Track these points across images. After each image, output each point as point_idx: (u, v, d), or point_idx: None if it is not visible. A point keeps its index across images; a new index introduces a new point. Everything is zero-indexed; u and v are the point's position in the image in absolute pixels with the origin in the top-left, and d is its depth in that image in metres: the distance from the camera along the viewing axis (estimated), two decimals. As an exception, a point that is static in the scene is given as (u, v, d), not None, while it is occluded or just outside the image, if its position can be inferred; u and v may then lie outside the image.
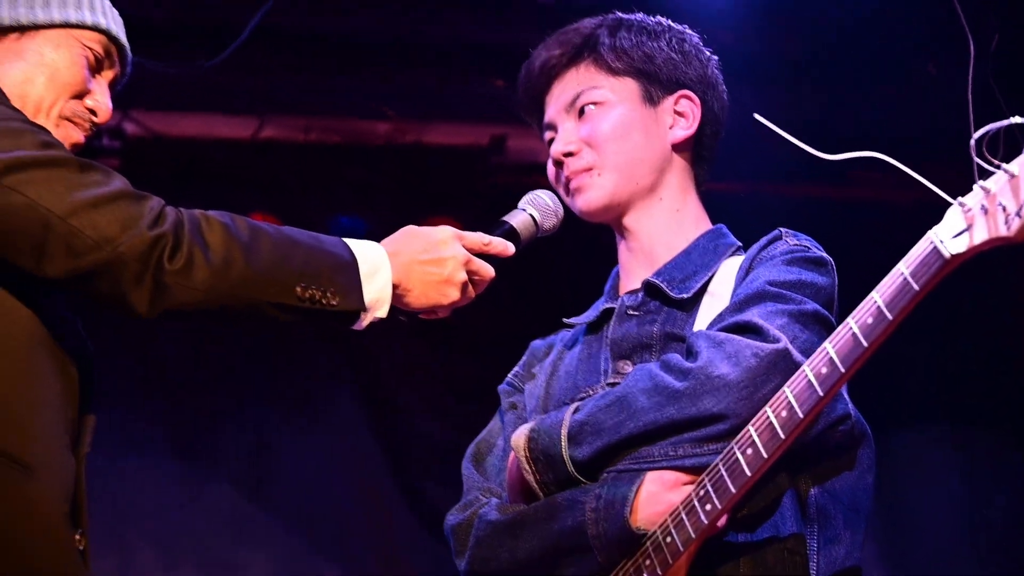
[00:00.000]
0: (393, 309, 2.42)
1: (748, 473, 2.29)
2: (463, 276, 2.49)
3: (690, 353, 2.47)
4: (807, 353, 2.31)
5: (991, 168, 1.97)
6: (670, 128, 2.78)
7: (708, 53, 2.85)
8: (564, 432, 2.50)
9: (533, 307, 5.62)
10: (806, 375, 2.25)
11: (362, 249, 2.39)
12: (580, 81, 2.79)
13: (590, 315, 2.82)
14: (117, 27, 2.57)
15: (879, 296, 2.15)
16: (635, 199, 2.76)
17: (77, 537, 2.30)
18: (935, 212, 2.09)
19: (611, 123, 2.75)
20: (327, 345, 6.05)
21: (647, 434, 2.43)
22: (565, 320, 2.90)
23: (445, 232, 2.50)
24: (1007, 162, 1.96)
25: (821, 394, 2.22)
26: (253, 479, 6.02)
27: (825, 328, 2.43)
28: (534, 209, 2.71)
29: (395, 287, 2.41)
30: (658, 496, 2.40)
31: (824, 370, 2.22)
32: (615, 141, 2.74)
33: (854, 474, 2.55)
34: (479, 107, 5.73)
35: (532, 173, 5.69)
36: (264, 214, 5.68)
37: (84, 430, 2.38)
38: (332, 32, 5.33)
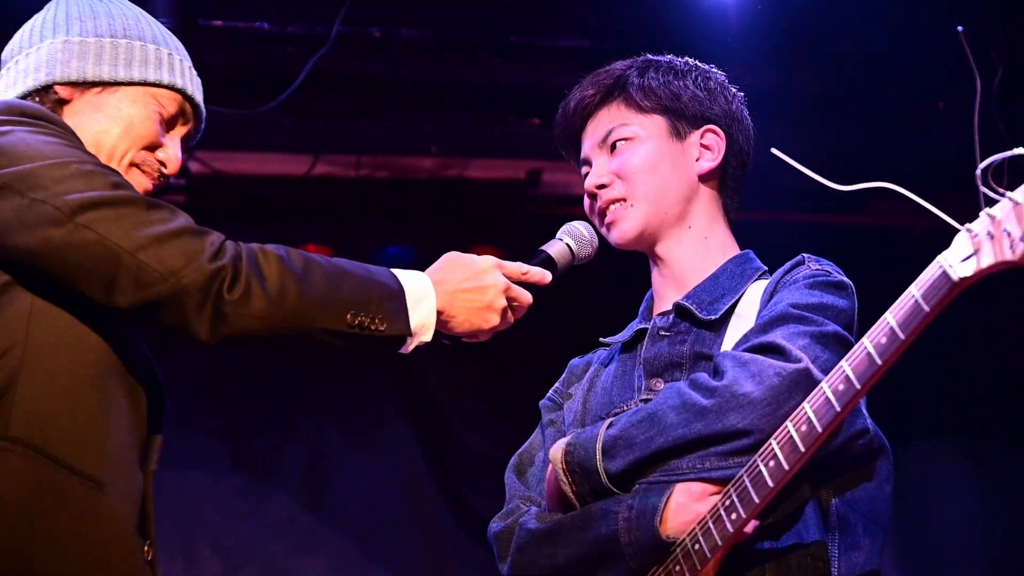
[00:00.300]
0: (437, 334, 2.42)
1: (771, 484, 2.28)
2: (503, 303, 2.48)
3: (716, 372, 2.47)
4: (827, 372, 2.29)
5: (996, 196, 1.96)
6: (696, 160, 2.77)
7: (734, 90, 2.85)
8: (599, 446, 2.50)
9: (567, 330, 5.61)
10: (824, 392, 2.24)
11: (409, 278, 2.39)
12: (611, 119, 2.79)
13: (625, 335, 2.81)
14: (194, 87, 2.59)
15: (892, 317, 2.14)
16: (665, 228, 2.76)
17: (145, 548, 2.31)
18: (946, 238, 2.08)
19: (640, 157, 2.75)
20: (377, 365, 6.06)
21: (676, 448, 2.43)
22: (601, 340, 2.89)
23: (486, 261, 2.50)
24: (1011, 190, 1.95)
25: (838, 409, 2.21)
26: (309, 491, 6.03)
27: (845, 348, 2.41)
28: (571, 239, 2.71)
29: (439, 313, 2.41)
30: (686, 506, 2.39)
31: (841, 387, 2.21)
32: (644, 173, 2.74)
33: (873, 485, 2.54)
34: (516, 144, 5.74)
35: (565, 204, 5.73)
36: (317, 245, 5.71)
37: (152, 449, 2.40)
38: (380, 76, 5.35)
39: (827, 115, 5.39)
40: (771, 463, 2.28)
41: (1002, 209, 1.96)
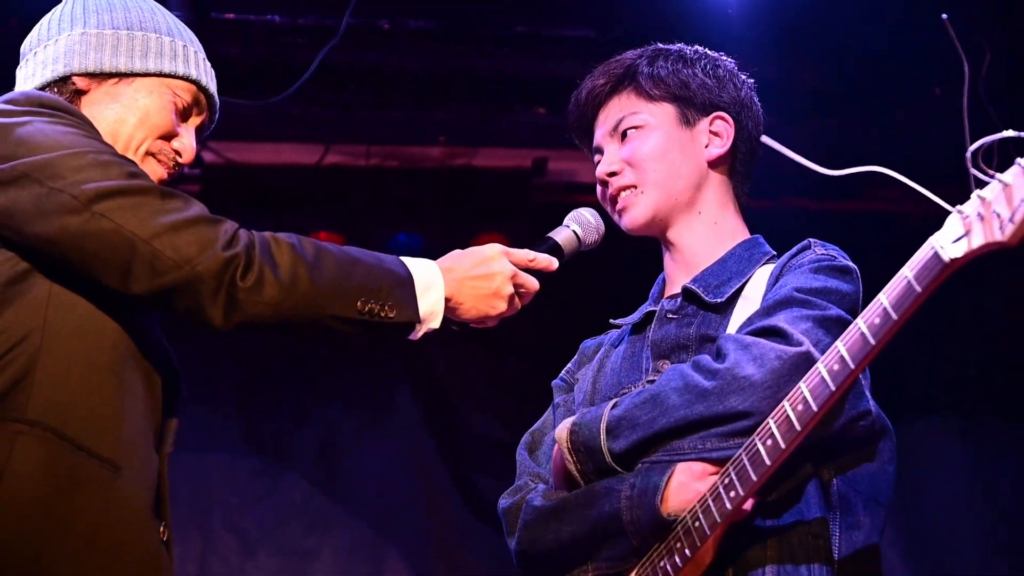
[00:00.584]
0: (446, 320, 2.43)
1: (768, 462, 2.28)
2: (510, 290, 2.49)
3: (719, 355, 2.47)
4: None
5: (986, 178, 1.96)
6: (706, 147, 2.77)
7: (744, 77, 2.85)
8: (603, 426, 2.51)
9: (572, 315, 5.62)
10: (819, 372, 2.24)
11: (417, 266, 2.40)
12: (622, 108, 2.80)
13: (635, 317, 2.82)
14: (208, 78, 2.60)
15: (885, 298, 2.14)
16: (675, 213, 2.76)
17: (161, 529, 2.33)
18: (942, 223, 2.07)
19: (650, 145, 2.75)
20: (387, 351, 6.06)
21: (678, 429, 2.44)
22: (612, 321, 2.90)
23: (494, 249, 2.50)
24: (1001, 172, 1.95)
25: (833, 389, 2.21)
26: (321, 474, 6.04)
27: None
28: (577, 225, 2.71)
29: (447, 301, 2.42)
30: (687, 485, 2.40)
31: (836, 367, 2.21)
32: (654, 161, 2.74)
33: (874, 465, 2.54)
34: (522, 133, 5.73)
35: (571, 192, 5.73)
36: (328, 233, 5.72)
37: (167, 432, 2.41)
38: (389, 68, 5.35)
39: (826, 107, 5.39)
40: (768, 442, 2.29)
41: (992, 191, 1.96)
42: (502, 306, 2.49)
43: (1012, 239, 1.94)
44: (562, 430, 2.57)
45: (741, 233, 2.80)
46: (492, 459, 5.99)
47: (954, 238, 2.02)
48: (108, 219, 2.18)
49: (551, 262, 2.60)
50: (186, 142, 2.56)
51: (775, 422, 2.29)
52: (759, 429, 2.32)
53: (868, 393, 2.52)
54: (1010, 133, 1.94)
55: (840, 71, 5.23)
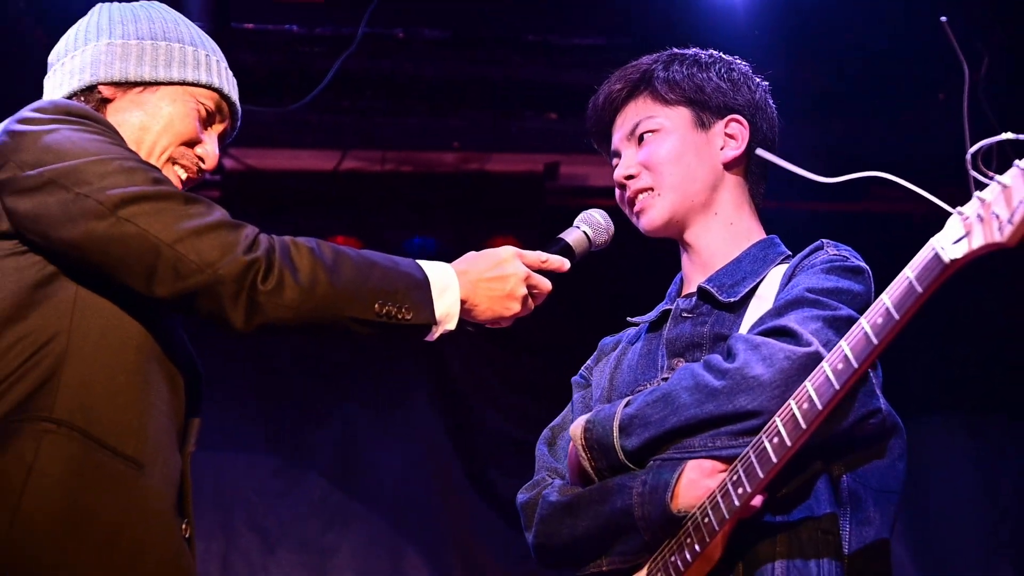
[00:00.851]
0: (461, 321, 2.43)
1: (774, 460, 2.28)
2: (524, 291, 2.49)
3: (729, 355, 2.46)
4: None
5: (986, 180, 1.95)
6: (721, 149, 2.76)
7: (758, 80, 2.84)
8: (616, 424, 2.51)
9: (584, 315, 5.63)
10: (824, 370, 2.23)
11: (433, 269, 2.40)
12: (638, 112, 2.79)
13: (652, 315, 2.81)
14: (230, 86, 2.60)
15: (888, 298, 2.13)
16: (692, 215, 2.76)
17: (183, 526, 2.33)
18: (942, 223, 2.07)
19: (666, 148, 2.74)
20: (405, 351, 6.07)
21: (689, 427, 2.43)
22: (629, 319, 2.89)
23: (507, 251, 2.50)
24: (1000, 174, 1.94)
25: (837, 387, 2.20)
26: (340, 471, 6.04)
27: None
28: (587, 227, 2.70)
29: (463, 302, 2.42)
30: (697, 482, 2.40)
31: (840, 365, 2.20)
32: (670, 164, 2.73)
33: (885, 462, 2.53)
34: (534, 138, 5.74)
35: (582, 196, 5.73)
36: (345, 237, 5.72)
37: (190, 432, 2.42)
38: (404, 75, 5.36)
39: (831, 109, 5.38)
40: (775, 439, 2.28)
41: (991, 192, 1.95)
42: (516, 307, 2.49)
43: (1011, 240, 1.93)
44: (576, 428, 2.57)
45: (757, 233, 2.79)
46: (506, 456, 5.99)
47: (954, 239, 2.02)
48: (133, 224, 2.19)
49: (563, 263, 2.59)
50: (209, 148, 2.56)
51: (782, 420, 2.28)
52: (766, 427, 2.31)
53: (879, 391, 2.51)
54: (1009, 135, 1.93)
55: (843, 73, 5.22)
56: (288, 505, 5.97)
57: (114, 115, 2.47)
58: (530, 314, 2.54)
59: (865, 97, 5.32)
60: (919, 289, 2.08)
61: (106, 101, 2.49)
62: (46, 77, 2.58)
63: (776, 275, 2.66)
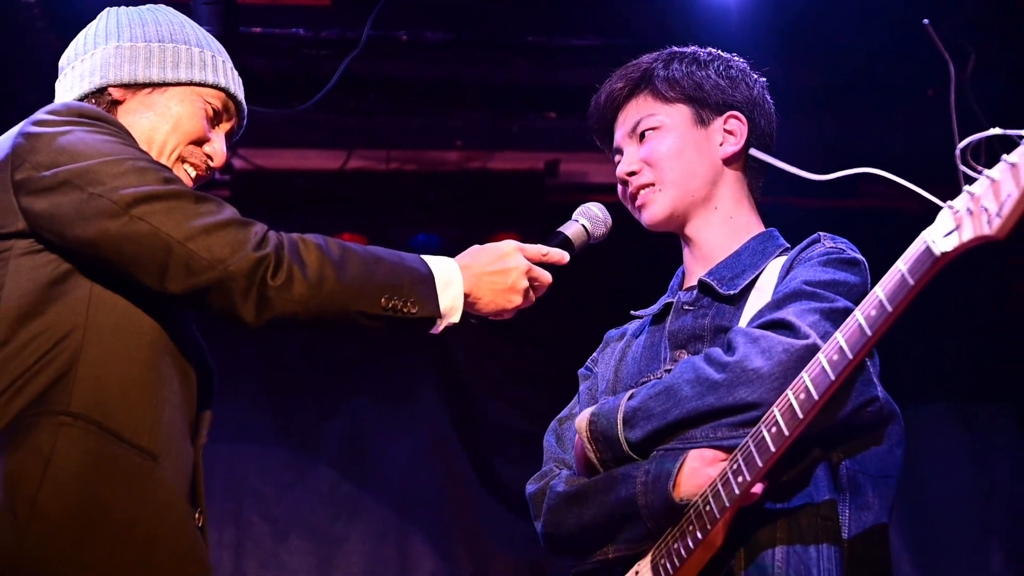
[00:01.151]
0: (465, 314, 2.42)
1: (772, 449, 2.27)
2: (525, 283, 2.49)
3: (729, 348, 2.46)
4: None
5: (975, 175, 1.95)
6: (720, 145, 2.75)
7: (755, 76, 2.83)
8: (620, 416, 2.51)
9: (584, 307, 5.64)
10: (820, 362, 2.23)
11: (437, 264, 2.40)
12: (639, 110, 2.78)
13: (654, 308, 2.81)
14: (236, 86, 2.60)
15: (881, 291, 2.13)
16: (692, 209, 2.75)
17: (196, 515, 2.34)
18: (933, 216, 2.06)
19: (666, 145, 2.73)
20: (411, 345, 6.07)
21: (691, 419, 2.43)
22: (633, 312, 2.89)
23: (509, 245, 2.50)
24: (989, 169, 1.94)
25: (833, 378, 2.20)
26: (349, 462, 6.04)
27: None
28: (586, 219, 2.70)
29: (466, 296, 2.41)
30: (698, 471, 2.40)
31: (835, 357, 2.20)
32: (670, 160, 2.73)
33: (883, 448, 2.52)
34: (535, 137, 5.74)
35: (582, 192, 5.72)
36: (352, 234, 5.72)
37: (202, 424, 2.42)
38: (408, 76, 5.36)
39: (824, 106, 5.38)
40: (773, 429, 2.28)
41: (980, 186, 1.95)
42: (518, 299, 2.48)
43: (1000, 232, 1.92)
44: (582, 420, 2.57)
45: (756, 227, 2.78)
46: (510, 446, 5.99)
47: (945, 232, 2.01)
48: (145, 222, 2.19)
49: (563, 256, 2.59)
50: (217, 147, 2.56)
51: (779, 410, 2.28)
52: (765, 418, 2.31)
53: (876, 380, 2.50)
54: (997, 131, 1.93)
55: (835, 72, 5.21)
56: (298, 495, 5.98)
57: (124, 116, 2.47)
58: (532, 307, 2.54)
59: (857, 95, 5.31)
60: (911, 281, 2.07)
61: (116, 103, 2.49)
62: (58, 80, 2.58)
63: (775, 268, 2.65)
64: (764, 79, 2.85)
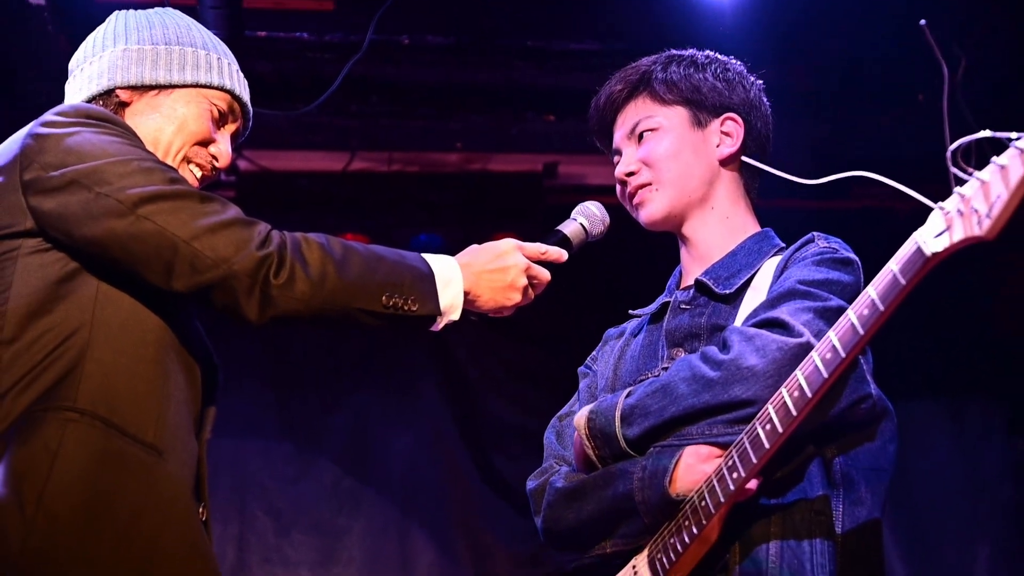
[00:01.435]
0: (465, 311, 2.42)
1: (767, 445, 2.27)
2: (524, 281, 2.48)
3: (724, 346, 2.45)
4: None
5: (966, 176, 1.94)
6: (717, 146, 2.75)
7: (752, 79, 2.83)
8: (618, 414, 2.50)
9: (582, 306, 5.64)
10: (814, 360, 2.22)
11: (438, 262, 2.39)
12: (638, 112, 2.78)
13: (652, 308, 2.81)
14: (241, 88, 2.60)
15: (873, 290, 2.12)
16: (689, 209, 2.75)
17: (200, 509, 2.34)
18: (925, 217, 2.06)
19: (664, 146, 2.73)
20: (414, 342, 6.07)
21: (687, 416, 2.43)
22: (631, 312, 2.89)
23: (508, 244, 2.50)
24: (979, 170, 1.93)
25: (826, 376, 2.20)
26: (352, 457, 6.03)
27: None
28: (584, 218, 2.70)
29: (466, 293, 2.41)
30: (694, 467, 2.39)
31: (828, 355, 2.20)
32: (668, 160, 2.72)
33: (876, 444, 2.52)
34: (534, 139, 5.73)
35: (580, 193, 5.71)
36: (354, 234, 5.71)
37: (206, 420, 2.42)
38: (409, 80, 5.36)
39: (817, 109, 5.38)
40: (767, 427, 2.27)
41: (971, 188, 1.94)
42: (517, 297, 2.48)
43: (989, 233, 1.92)
44: (580, 417, 2.57)
45: (752, 227, 2.78)
46: (510, 442, 5.99)
47: (936, 233, 2.01)
48: (151, 222, 2.19)
49: (561, 254, 2.59)
50: (222, 148, 2.55)
51: (773, 408, 2.28)
52: (759, 414, 2.31)
53: (869, 377, 2.50)
54: (986, 133, 1.92)
55: (828, 76, 5.21)
56: (301, 490, 5.97)
57: (131, 117, 2.47)
58: (532, 306, 2.54)
59: (849, 98, 5.31)
60: (902, 281, 2.07)
61: (124, 104, 2.49)
62: (67, 82, 2.57)
63: (770, 267, 2.65)
64: (761, 82, 2.84)
